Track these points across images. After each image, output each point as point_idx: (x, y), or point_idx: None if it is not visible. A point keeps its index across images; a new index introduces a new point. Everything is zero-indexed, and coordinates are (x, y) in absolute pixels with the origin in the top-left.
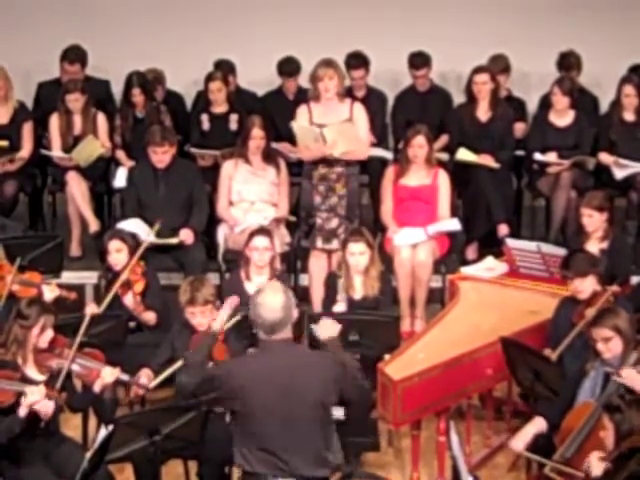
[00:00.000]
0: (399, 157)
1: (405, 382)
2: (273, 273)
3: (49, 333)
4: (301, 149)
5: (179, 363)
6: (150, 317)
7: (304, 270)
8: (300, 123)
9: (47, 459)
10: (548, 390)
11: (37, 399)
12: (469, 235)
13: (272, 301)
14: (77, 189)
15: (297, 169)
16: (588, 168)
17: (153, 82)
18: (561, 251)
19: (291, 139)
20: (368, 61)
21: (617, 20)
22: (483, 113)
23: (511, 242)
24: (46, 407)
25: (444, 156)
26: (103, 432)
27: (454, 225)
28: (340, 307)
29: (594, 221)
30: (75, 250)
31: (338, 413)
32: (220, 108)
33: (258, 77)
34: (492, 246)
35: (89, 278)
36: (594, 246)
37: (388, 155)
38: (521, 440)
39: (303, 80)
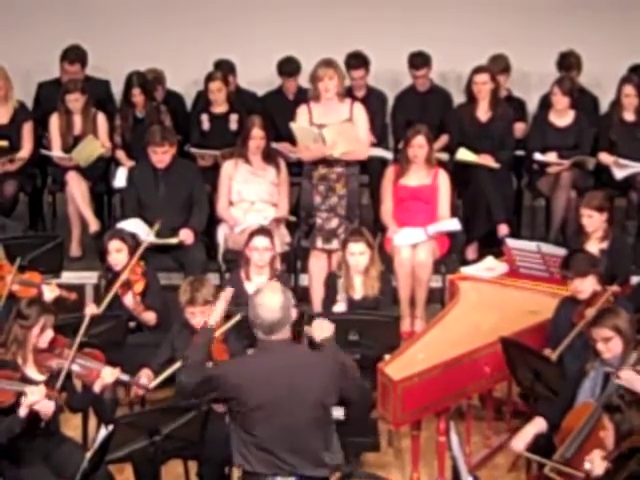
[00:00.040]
0: (399, 157)
1: (405, 382)
2: (273, 273)
3: (49, 333)
4: (301, 149)
5: (179, 363)
6: (150, 317)
7: (304, 270)
8: (300, 123)
9: (47, 459)
10: (548, 390)
11: (37, 399)
12: (469, 235)
13: (270, 301)
14: (77, 189)
15: (297, 169)
16: (588, 168)
17: (153, 82)
18: (561, 251)
19: (291, 139)
20: (368, 61)
21: (617, 20)
22: (483, 113)
23: (511, 242)
24: (46, 407)
25: (444, 156)
26: (103, 432)
27: (454, 225)
28: (340, 307)
29: (594, 221)
30: (75, 250)
31: (338, 413)
32: (220, 108)
33: (258, 77)
34: (492, 246)
35: (89, 278)
36: (594, 246)
37: (388, 155)
38: (521, 440)
39: (303, 80)
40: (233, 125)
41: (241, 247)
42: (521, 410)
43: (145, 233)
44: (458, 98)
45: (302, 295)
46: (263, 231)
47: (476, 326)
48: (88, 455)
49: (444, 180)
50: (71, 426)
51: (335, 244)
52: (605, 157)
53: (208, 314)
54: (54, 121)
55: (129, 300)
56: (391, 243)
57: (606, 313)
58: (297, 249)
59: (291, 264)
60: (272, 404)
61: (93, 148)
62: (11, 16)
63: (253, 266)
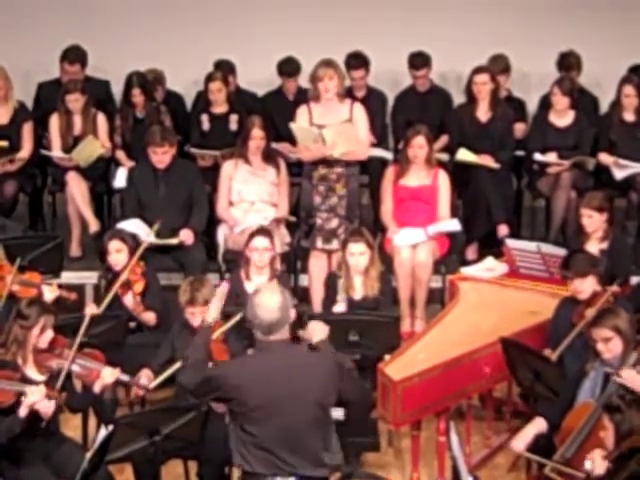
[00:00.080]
0: (399, 157)
1: (405, 382)
2: (273, 273)
3: (49, 333)
4: (301, 149)
5: (179, 363)
6: (150, 317)
7: (304, 270)
8: (299, 124)
9: (47, 459)
10: (548, 390)
11: (37, 399)
12: (469, 235)
13: (269, 301)
14: (77, 189)
15: (297, 169)
16: (588, 168)
17: (153, 82)
18: (561, 251)
19: (291, 139)
20: (368, 61)
21: (617, 20)
22: (483, 113)
23: (511, 242)
24: (47, 407)
25: (444, 156)
26: (103, 432)
27: (454, 225)
28: (340, 307)
29: (594, 221)
30: (75, 250)
31: (338, 413)
32: (220, 108)
33: (258, 77)
34: (492, 246)
35: (89, 278)
36: (594, 246)
37: (388, 155)
38: (522, 440)
39: (303, 80)
40: (233, 125)
41: (241, 247)
42: (521, 410)
43: (145, 233)
44: (458, 98)
45: (302, 295)
46: (263, 231)
47: (476, 326)
48: (88, 455)
49: (444, 180)
50: (71, 426)
51: (335, 244)
52: (605, 157)
53: None
54: (54, 121)
55: (129, 300)
56: (391, 243)
57: (606, 313)
58: (297, 249)
59: (291, 264)
60: (272, 404)
61: (93, 148)
62: (11, 16)
63: (253, 266)
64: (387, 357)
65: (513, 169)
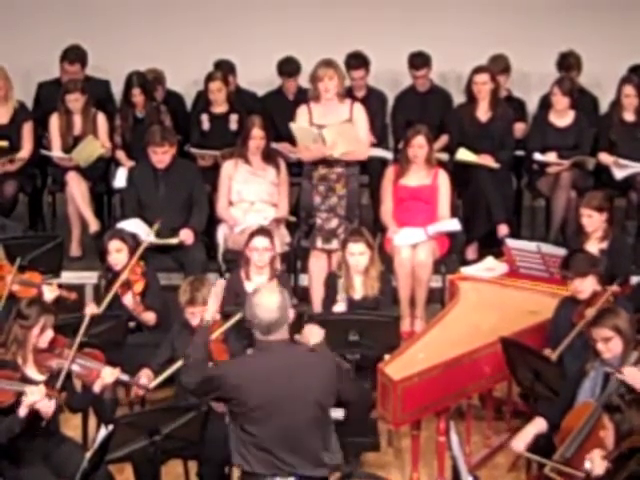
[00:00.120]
0: (399, 157)
1: (405, 382)
2: (273, 273)
3: (49, 333)
4: (301, 149)
5: (179, 363)
6: (150, 317)
7: (304, 270)
8: (299, 124)
9: (47, 459)
10: (548, 390)
11: (37, 399)
12: (469, 235)
13: (268, 301)
14: (77, 189)
15: (297, 169)
16: (588, 168)
17: (153, 82)
18: (561, 251)
19: (291, 139)
20: (368, 61)
21: (617, 20)
22: (483, 113)
23: (511, 242)
24: (47, 407)
25: (444, 156)
26: (103, 432)
27: (454, 225)
28: (340, 307)
29: (594, 221)
30: (75, 250)
31: (338, 414)
32: (220, 108)
33: (258, 77)
34: (492, 246)
35: (89, 278)
36: (594, 246)
37: (388, 155)
38: (522, 440)
39: (303, 80)
40: (233, 125)
41: (241, 247)
42: (521, 410)
43: (145, 233)
44: (458, 98)
45: (302, 295)
46: (263, 231)
47: (476, 326)
48: (88, 455)
49: (444, 180)
50: (71, 426)
51: (335, 244)
52: (605, 157)
53: None
54: (54, 121)
55: (128, 300)
56: (391, 243)
57: (606, 313)
58: (297, 249)
59: (291, 264)
60: (271, 404)
61: (93, 148)
62: (11, 16)
63: (253, 266)
64: (387, 357)
65: (513, 169)
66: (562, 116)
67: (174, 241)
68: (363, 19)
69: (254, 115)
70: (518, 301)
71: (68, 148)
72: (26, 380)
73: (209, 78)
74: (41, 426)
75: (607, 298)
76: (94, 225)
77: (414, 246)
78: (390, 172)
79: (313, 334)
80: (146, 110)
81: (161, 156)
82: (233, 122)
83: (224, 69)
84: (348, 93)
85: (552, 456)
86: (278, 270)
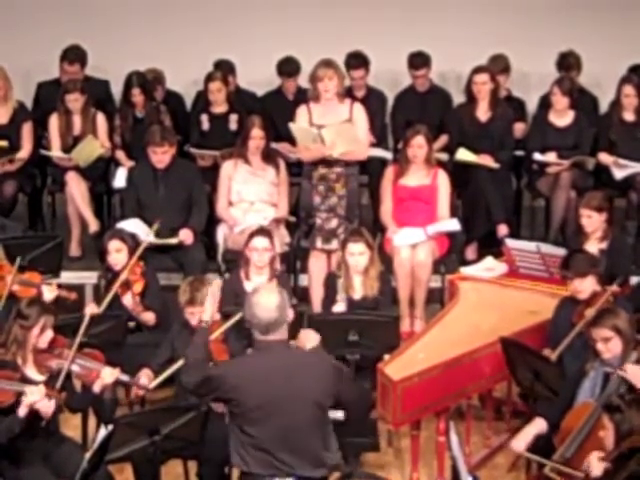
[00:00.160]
0: (399, 157)
1: (405, 382)
2: (273, 273)
3: (49, 333)
4: (301, 149)
5: (179, 363)
6: (149, 317)
7: (304, 270)
8: (299, 124)
9: (47, 459)
10: (548, 390)
11: (37, 399)
12: (469, 235)
13: (267, 301)
14: (77, 189)
15: (297, 169)
16: (588, 168)
17: (153, 82)
18: (561, 251)
19: (291, 139)
20: (368, 61)
21: (617, 20)
22: (483, 113)
23: (511, 242)
24: (47, 406)
25: (444, 156)
26: (103, 432)
27: (454, 225)
28: (340, 307)
29: (593, 222)
30: (75, 250)
31: (338, 414)
32: (220, 108)
33: (258, 77)
34: (492, 246)
35: (89, 278)
36: (593, 246)
37: (388, 155)
38: (522, 441)
39: (303, 80)
40: (233, 125)
41: (241, 247)
42: (521, 410)
43: (145, 233)
44: (458, 98)
45: (302, 295)
46: (263, 231)
47: (476, 326)
48: (88, 455)
49: (444, 180)
50: (71, 426)
51: (335, 244)
52: (605, 157)
53: None
54: (54, 121)
55: (128, 300)
56: (391, 243)
57: (606, 313)
58: (297, 249)
59: (291, 264)
60: (270, 404)
61: (93, 148)
62: (11, 16)
63: (253, 266)
64: (387, 357)
65: (513, 169)
66: (562, 116)
67: (174, 241)
68: (363, 19)
69: (254, 115)
70: (518, 301)
71: (68, 148)
72: (26, 380)
73: (209, 78)
74: (41, 426)
75: (607, 298)
76: (94, 225)
77: (414, 246)
78: (390, 172)
79: (309, 339)
80: (146, 110)
81: (161, 156)
82: (233, 122)
83: (224, 69)
84: (348, 93)
85: (552, 456)
86: (278, 270)
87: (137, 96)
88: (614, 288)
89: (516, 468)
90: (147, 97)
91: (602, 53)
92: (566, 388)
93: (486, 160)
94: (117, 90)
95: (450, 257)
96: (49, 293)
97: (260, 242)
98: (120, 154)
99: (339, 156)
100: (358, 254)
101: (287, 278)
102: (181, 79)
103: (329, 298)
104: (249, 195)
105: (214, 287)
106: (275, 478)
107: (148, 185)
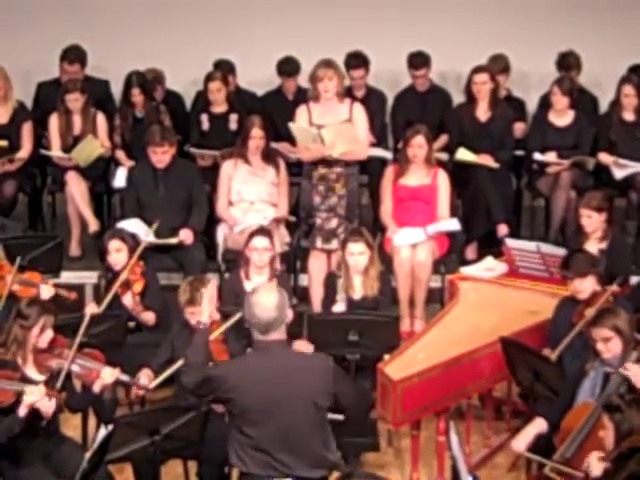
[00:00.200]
0: (399, 157)
1: (405, 382)
2: (273, 273)
3: (49, 333)
4: (300, 149)
5: (179, 363)
6: (149, 317)
7: (304, 270)
8: (299, 124)
9: (47, 459)
10: (548, 390)
11: (37, 399)
12: (469, 235)
13: (266, 300)
14: (77, 189)
15: (297, 169)
16: (588, 168)
17: (153, 82)
18: (561, 251)
19: (291, 139)
20: (368, 61)
21: (617, 20)
22: (483, 113)
23: (511, 242)
24: (47, 406)
25: (444, 156)
26: (103, 432)
27: (454, 225)
28: (339, 307)
29: (593, 221)
30: (75, 250)
31: (337, 414)
32: (220, 108)
33: (258, 77)
34: (492, 246)
35: (89, 278)
36: (593, 246)
37: (388, 155)
38: (522, 441)
39: (303, 80)
40: (233, 125)
41: (241, 247)
42: (521, 410)
43: (144, 233)
44: (458, 98)
45: (302, 295)
46: (263, 231)
47: (476, 326)
48: (88, 455)
49: (443, 180)
50: (71, 426)
51: (335, 244)
52: (605, 157)
53: None
54: (54, 121)
55: (128, 300)
56: (391, 243)
57: (605, 313)
58: (297, 249)
59: (291, 264)
60: (269, 404)
61: (93, 148)
62: (11, 16)
63: (253, 266)
64: (387, 357)
65: (513, 169)
66: (562, 116)
67: (174, 241)
68: (363, 19)
69: (254, 115)
70: (518, 301)
71: (68, 148)
72: (26, 380)
73: (209, 78)
74: (41, 426)
75: (607, 298)
76: (94, 225)
77: (414, 246)
78: (390, 172)
79: (302, 350)
80: (146, 110)
81: (161, 156)
82: (233, 122)
83: (224, 69)
84: (348, 93)
85: (552, 456)
86: (278, 270)
87: (137, 96)
88: (614, 288)
89: (516, 468)
90: (147, 97)
91: (602, 53)
92: (566, 388)
93: (486, 160)
94: (117, 90)
95: (450, 257)
96: (46, 292)
97: (260, 242)
98: (120, 154)
99: (339, 156)
100: (358, 254)
101: (287, 278)
102: (181, 79)
103: (329, 298)
104: (249, 195)
105: (211, 288)
106: (273, 479)
107: (148, 185)
